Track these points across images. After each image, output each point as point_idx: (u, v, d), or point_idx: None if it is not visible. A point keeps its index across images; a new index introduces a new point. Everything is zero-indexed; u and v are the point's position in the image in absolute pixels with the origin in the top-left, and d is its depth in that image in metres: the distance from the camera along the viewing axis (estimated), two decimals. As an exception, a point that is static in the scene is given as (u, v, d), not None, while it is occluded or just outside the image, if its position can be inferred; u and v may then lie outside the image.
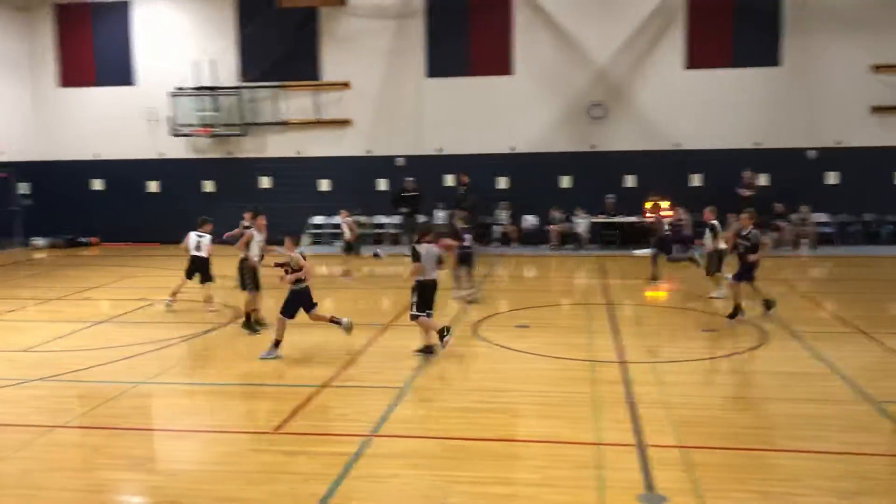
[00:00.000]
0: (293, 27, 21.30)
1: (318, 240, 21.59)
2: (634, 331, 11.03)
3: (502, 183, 21.22)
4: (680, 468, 6.10)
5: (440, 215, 20.94)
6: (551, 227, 20.54)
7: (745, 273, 11.35)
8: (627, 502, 5.57)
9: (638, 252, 16.96)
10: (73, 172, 22.42)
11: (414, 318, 9.51)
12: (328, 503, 5.58)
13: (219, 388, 8.70)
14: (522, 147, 20.96)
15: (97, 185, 22.56)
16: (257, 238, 11.45)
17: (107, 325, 11.82)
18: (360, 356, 9.69)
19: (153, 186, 22.44)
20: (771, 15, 19.89)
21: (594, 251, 19.67)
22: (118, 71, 22.15)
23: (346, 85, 21.44)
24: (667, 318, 12.17)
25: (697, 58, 20.24)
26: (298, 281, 9.68)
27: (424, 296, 9.46)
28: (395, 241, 21.25)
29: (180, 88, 21.33)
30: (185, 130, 21.45)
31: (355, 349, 9.95)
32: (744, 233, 11.46)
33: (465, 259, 13.03)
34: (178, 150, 22.21)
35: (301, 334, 10.97)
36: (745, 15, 19.98)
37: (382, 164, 21.52)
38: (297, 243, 9.91)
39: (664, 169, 20.20)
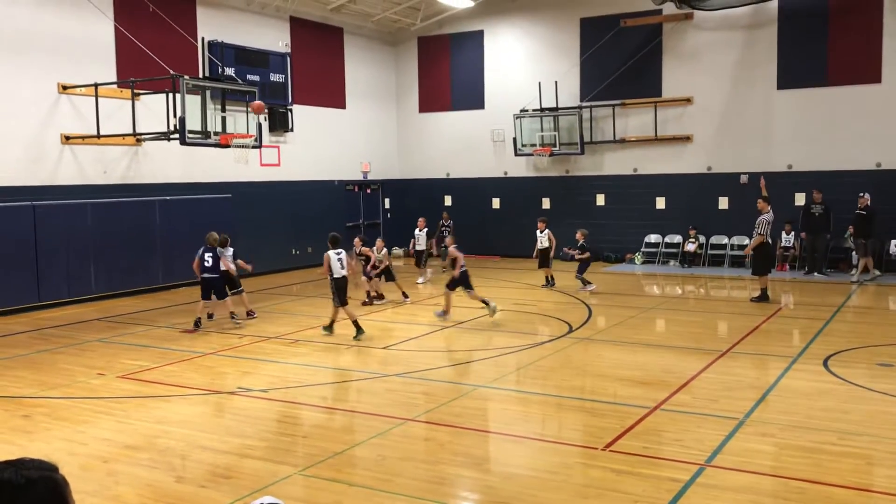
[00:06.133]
0: (635, 45, 21.28)
1: (651, 259, 21.27)
2: None
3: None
4: None
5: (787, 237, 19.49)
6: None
7: None
8: None
9: None
10: (427, 190, 24.63)
11: None
12: (658, 528, 5.44)
13: (551, 399, 8.95)
14: (890, 163, 18.68)
15: (447, 201, 24.50)
16: None
17: (451, 330, 12.80)
18: (695, 382, 9.33)
19: (496, 203, 23.81)
20: None
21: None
22: (470, 96, 23.91)
23: (688, 100, 20.89)
24: None
25: None
26: None
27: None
28: (731, 263, 20.20)
29: (524, 110, 22.38)
30: (528, 150, 22.45)
31: (689, 374, 9.61)
32: None
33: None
34: (519, 168, 23.35)
35: (634, 354, 10.90)
36: None
37: (724, 182, 20.58)
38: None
39: None
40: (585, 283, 16.31)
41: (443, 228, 20.46)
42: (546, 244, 17.13)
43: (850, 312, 14.09)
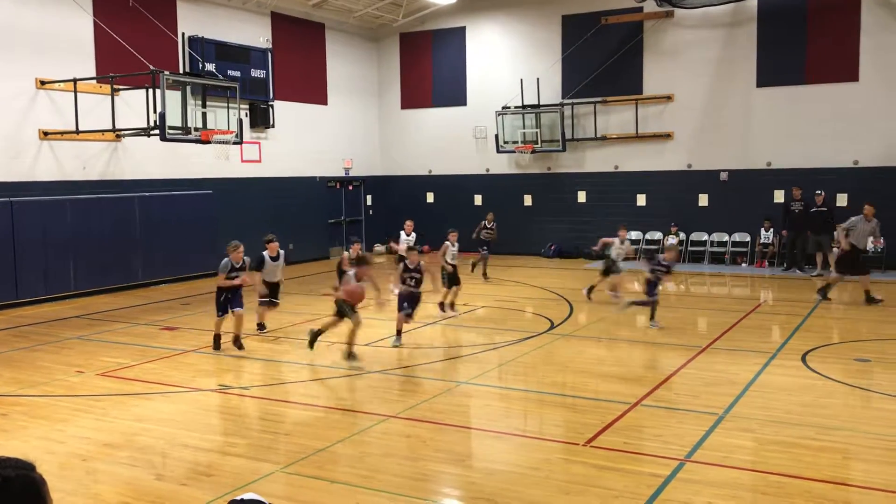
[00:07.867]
0: (616, 43, 21.36)
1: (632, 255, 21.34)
2: None
3: (841, 200, 19.30)
4: None
5: (765, 233, 19.65)
6: (902, 250, 18.22)
7: None
8: None
9: None
10: (409, 186, 24.60)
11: None
12: (638, 523, 5.48)
13: (533, 395, 8.98)
14: (867, 160, 18.89)
15: (429, 198, 24.46)
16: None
17: (435, 327, 12.80)
18: (675, 378, 9.39)
19: (478, 200, 23.81)
20: None
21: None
22: (452, 93, 23.88)
23: (668, 98, 21.00)
24: None
25: None
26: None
27: None
28: (725, 260, 20.34)
29: (506, 107, 22.40)
30: (509, 147, 22.47)
31: (669, 370, 9.67)
32: None
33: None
34: (501, 165, 23.37)
35: (615, 350, 10.96)
36: None
37: (704, 179, 20.72)
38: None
39: None
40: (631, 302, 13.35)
41: (485, 231, 18.64)
42: (625, 253, 14.83)
43: (828, 308, 14.23)
